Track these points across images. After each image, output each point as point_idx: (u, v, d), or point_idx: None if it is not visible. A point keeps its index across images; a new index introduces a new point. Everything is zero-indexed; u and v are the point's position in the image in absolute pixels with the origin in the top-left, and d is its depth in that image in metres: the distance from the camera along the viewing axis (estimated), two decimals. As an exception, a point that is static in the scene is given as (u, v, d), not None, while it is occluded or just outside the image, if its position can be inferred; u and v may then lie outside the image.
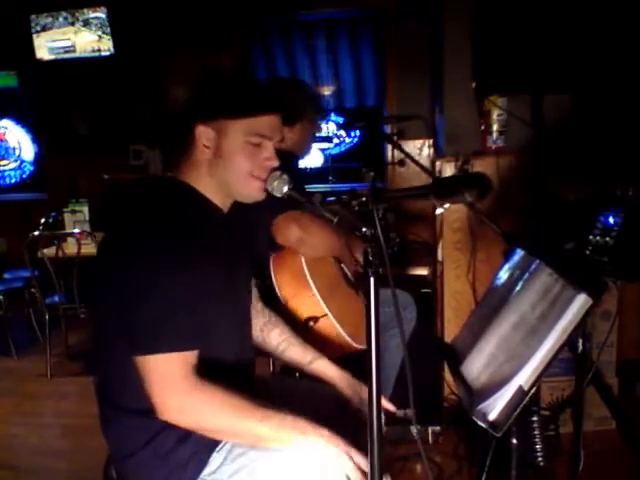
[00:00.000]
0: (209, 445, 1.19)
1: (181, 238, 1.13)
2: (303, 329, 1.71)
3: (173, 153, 1.26)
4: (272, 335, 1.50)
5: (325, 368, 1.48)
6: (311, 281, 1.71)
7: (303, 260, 1.73)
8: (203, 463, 1.19)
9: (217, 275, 1.19)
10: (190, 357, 1.11)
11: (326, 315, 1.71)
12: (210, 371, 1.14)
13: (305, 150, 2.20)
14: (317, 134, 2.30)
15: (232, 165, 1.21)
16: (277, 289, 1.76)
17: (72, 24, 4.45)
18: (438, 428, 2.40)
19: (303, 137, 2.07)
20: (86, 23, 4.44)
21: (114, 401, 1.21)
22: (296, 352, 1.49)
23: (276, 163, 1.24)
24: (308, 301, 1.72)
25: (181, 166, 1.25)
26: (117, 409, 1.21)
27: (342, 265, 1.95)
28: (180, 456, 1.18)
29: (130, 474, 1.23)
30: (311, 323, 1.71)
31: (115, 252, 1.18)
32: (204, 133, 1.20)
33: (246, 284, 1.41)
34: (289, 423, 1.13)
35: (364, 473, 1.10)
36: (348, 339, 1.72)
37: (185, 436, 1.16)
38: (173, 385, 1.09)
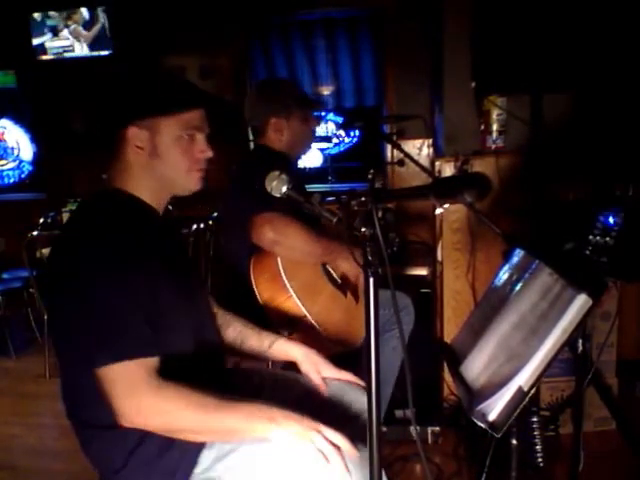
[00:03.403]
0: (197, 445, 1.18)
1: (118, 247, 1.13)
2: (286, 331, 1.69)
3: (105, 157, 1.26)
4: (227, 333, 1.51)
5: (284, 347, 1.49)
6: (288, 283, 1.69)
7: (280, 262, 1.71)
8: (193, 463, 1.18)
9: (162, 275, 1.20)
10: (150, 362, 1.11)
11: (306, 317, 1.68)
12: (175, 367, 1.14)
13: (303, 148, 2.18)
14: (316, 129, 2.27)
15: (170, 162, 1.23)
16: (257, 292, 1.73)
17: (71, 24, 4.45)
18: (438, 428, 2.39)
19: (295, 135, 2.05)
20: (85, 23, 4.44)
21: (88, 420, 1.21)
22: (253, 341, 1.50)
23: (210, 154, 1.27)
24: (287, 303, 1.70)
25: (113, 171, 1.26)
26: (93, 427, 1.20)
27: (328, 267, 1.94)
28: (168, 460, 1.17)
29: None
30: (292, 325, 1.69)
31: (58, 269, 1.18)
32: (137, 134, 1.21)
33: (196, 277, 1.42)
34: (257, 412, 1.12)
35: (338, 448, 1.09)
36: (329, 340, 1.71)
37: (168, 440, 1.15)
38: (135, 390, 1.08)
